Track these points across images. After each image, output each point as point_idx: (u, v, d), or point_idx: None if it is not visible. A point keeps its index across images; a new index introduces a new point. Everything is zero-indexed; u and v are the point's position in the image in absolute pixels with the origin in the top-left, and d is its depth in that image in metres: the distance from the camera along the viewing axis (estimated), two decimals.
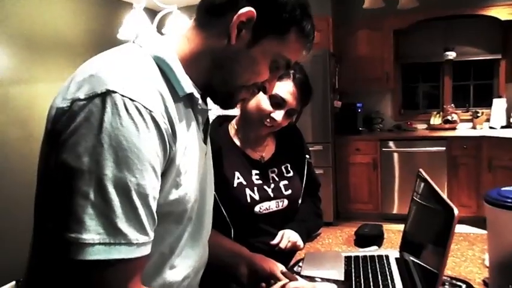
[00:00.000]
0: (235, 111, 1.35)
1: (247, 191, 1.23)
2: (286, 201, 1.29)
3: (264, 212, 1.24)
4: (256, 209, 1.23)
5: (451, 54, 4.21)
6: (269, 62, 0.74)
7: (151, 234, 0.62)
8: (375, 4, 2.90)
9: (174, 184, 0.68)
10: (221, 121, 1.34)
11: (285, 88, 1.19)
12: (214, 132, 1.24)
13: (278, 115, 1.20)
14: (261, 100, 1.19)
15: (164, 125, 0.62)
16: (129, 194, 0.57)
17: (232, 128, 1.32)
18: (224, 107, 0.80)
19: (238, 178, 1.23)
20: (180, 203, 0.70)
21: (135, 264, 0.60)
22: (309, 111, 4.03)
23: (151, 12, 3.61)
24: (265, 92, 0.81)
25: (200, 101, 0.74)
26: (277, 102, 1.19)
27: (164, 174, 0.65)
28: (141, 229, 0.59)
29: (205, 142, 0.84)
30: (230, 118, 1.35)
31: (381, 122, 4.56)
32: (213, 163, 1.14)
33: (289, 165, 1.35)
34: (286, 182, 1.31)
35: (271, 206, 1.26)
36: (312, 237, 1.41)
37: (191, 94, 0.71)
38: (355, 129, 4.36)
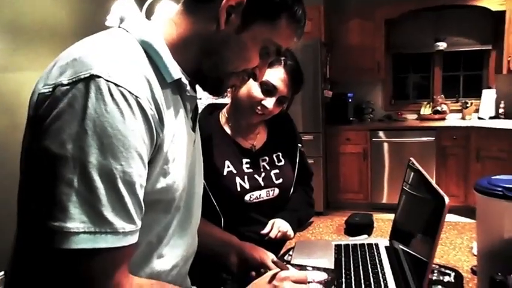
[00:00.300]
0: (226, 100, 1.33)
1: (238, 180, 1.22)
2: (277, 190, 1.28)
3: (255, 201, 1.23)
4: (247, 197, 1.22)
5: (442, 45, 4.22)
6: (259, 48, 0.73)
7: (139, 223, 0.60)
8: None
9: (161, 172, 0.67)
10: (211, 109, 1.32)
11: (276, 75, 1.18)
12: (204, 120, 1.22)
13: (269, 102, 1.19)
14: (252, 87, 1.17)
15: (151, 111, 0.60)
16: (114, 182, 0.55)
17: (223, 116, 1.30)
18: (213, 93, 0.79)
19: (228, 167, 1.22)
20: (168, 191, 0.69)
21: (122, 253, 0.58)
22: (299, 101, 4.02)
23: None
24: (255, 79, 0.79)
25: (188, 88, 0.72)
26: (268, 89, 1.18)
27: (151, 162, 0.64)
28: (128, 218, 0.58)
29: (193, 130, 0.82)
30: (221, 106, 1.33)
31: (371, 112, 4.57)
32: (202, 151, 1.12)
33: (280, 154, 1.33)
34: (277, 170, 1.30)
35: (262, 195, 1.25)
36: (304, 227, 1.41)
37: (179, 80, 0.69)
38: (346, 119, 4.37)
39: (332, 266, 1.03)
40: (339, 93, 4.41)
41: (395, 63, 4.68)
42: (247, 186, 1.22)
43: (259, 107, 1.19)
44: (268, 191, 1.26)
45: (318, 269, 1.02)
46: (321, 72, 3.99)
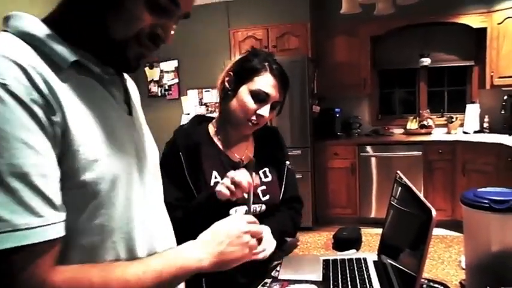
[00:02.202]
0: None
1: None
2: (264, 207, 1.24)
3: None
4: (232, 211, 1.17)
5: (426, 61, 4.29)
6: (143, 2, 0.63)
7: (49, 214, 0.56)
8: (352, 9, 2.92)
9: (80, 164, 0.60)
10: (200, 120, 1.30)
11: (265, 82, 1.18)
12: (192, 129, 1.24)
13: (265, 111, 1.18)
14: (244, 98, 1.17)
15: (30, 96, 0.56)
16: (0, 177, 0.52)
17: (212, 128, 1.28)
18: (123, 69, 0.73)
19: (215, 177, 1.19)
20: (96, 182, 0.62)
21: (36, 250, 0.54)
22: (287, 116, 4.04)
23: None
24: (162, 42, 0.69)
25: (96, 68, 0.66)
26: (261, 98, 1.17)
27: (63, 151, 0.59)
28: (28, 211, 0.54)
29: (130, 113, 0.75)
30: (209, 119, 1.32)
31: (358, 127, 4.60)
32: (190, 159, 1.14)
33: (267, 170, 1.30)
34: (264, 187, 1.26)
35: (242, 210, 1.19)
36: (288, 250, 1.35)
37: (78, 62, 0.63)
38: (334, 134, 4.39)
39: (320, 279, 1.02)
40: (327, 108, 4.44)
41: (381, 79, 4.74)
42: (234, 199, 1.19)
43: (254, 118, 1.18)
44: (255, 207, 1.22)
45: (306, 281, 1.00)
46: (308, 87, 4.02)
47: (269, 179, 1.29)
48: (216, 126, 1.28)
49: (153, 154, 0.81)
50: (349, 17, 3.78)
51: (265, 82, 1.17)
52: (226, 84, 1.21)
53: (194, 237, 0.79)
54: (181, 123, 1.31)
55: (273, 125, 1.45)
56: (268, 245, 1.07)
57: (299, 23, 4.17)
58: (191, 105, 4.76)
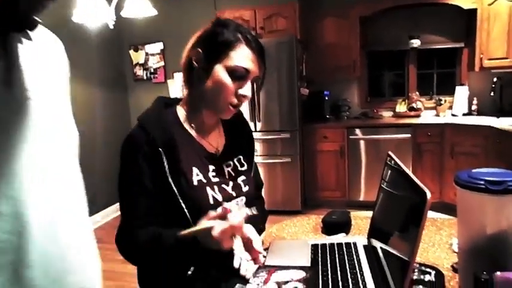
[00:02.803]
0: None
1: (209, 191, 1.05)
2: (244, 199, 1.14)
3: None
4: (219, 210, 1.02)
5: (416, 42, 4.25)
6: None
7: None
8: None
9: None
10: (165, 103, 1.13)
11: (243, 56, 1.03)
12: (164, 116, 1.07)
13: (246, 90, 1.04)
14: (221, 78, 1.02)
15: None
16: None
17: (182, 113, 1.12)
18: (21, 28, 0.57)
19: (197, 175, 1.05)
20: None
21: None
22: (275, 99, 3.98)
23: None
24: None
25: None
26: (240, 75, 1.03)
27: None
28: None
29: (9, 84, 0.55)
30: (174, 101, 1.16)
31: (347, 109, 4.56)
32: (171, 156, 0.99)
33: (241, 158, 1.20)
34: (243, 177, 1.16)
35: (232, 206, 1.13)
36: None
37: None
38: (323, 117, 4.35)
39: (308, 265, 0.98)
40: (315, 91, 4.39)
41: (370, 61, 4.69)
42: (219, 198, 1.06)
43: (235, 99, 1.04)
44: (238, 201, 1.12)
45: (294, 267, 0.96)
46: (297, 70, 3.95)
47: (245, 167, 1.19)
48: (186, 111, 1.12)
49: (61, 141, 0.65)
50: None
51: (242, 57, 1.02)
52: (194, 63, 1.05)
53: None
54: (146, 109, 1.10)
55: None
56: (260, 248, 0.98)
57: (287, 3, 4.07)
58: (178, 88, 4.66)
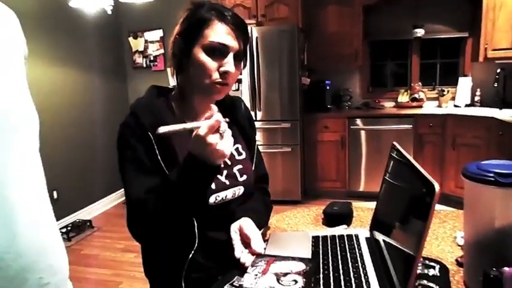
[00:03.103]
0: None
1: None
2: (242, 189, 1.11)
3: (220, 202, 1.06)
4: (211, 199, 1.04)
5: (420, 32, 4.19)
6: None
7: None
8: None
9: None
10: (158, 92, 1.12)
11: (217, 31, 0.99)
12: (156, 103, 1.06)
13: (229, 65, 1.00)
14: (200, 58, 0.99)
15: None
16: None
17: (174, 103, 1.11)
18: None
19: None
20: None
21: None
22: (276, 88, 3.94)
23: None
24: None
25: None
26: (218, 51, 0.99)
27: None
28: None
29: None
30: (167, 90, 1.14)
31: (349, 99, 4.52)
32: (161, 139, 0.97)
33: (240, 147, 1.17)
34: (240, 166, 1.13)
35: (228, 195, 1.08)
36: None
37: None
38: (324, 107, 4.31)
39: (309, 256, 0.95)
40: (317, 80, 4.34)
41: (373, 51, 4.63)
42: (213, 186, 1.03)
43: (218, 77, 1.01)
44: (234, 190, 1.09)
45: (294, 258, 0.93)
46: (298, 58, 3.90)
47: (243, 156, 1.16)
48: (178, 100, 1.10)
49: (17, 124, 0.63)
50: None
51: (217, 32, 0.99)
52: (176, 50, 1.03)
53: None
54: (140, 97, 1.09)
55: (236, 95, 1.27)
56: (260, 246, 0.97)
57: None
58: None
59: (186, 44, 1.01)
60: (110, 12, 2.83)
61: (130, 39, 4.69)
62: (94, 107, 4.20)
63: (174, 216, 0.95)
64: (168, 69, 4.59)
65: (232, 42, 1.01)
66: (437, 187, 0.65)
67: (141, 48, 4.70)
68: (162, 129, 0.84)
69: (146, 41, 4.67)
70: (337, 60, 4.30)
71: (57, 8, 3.52)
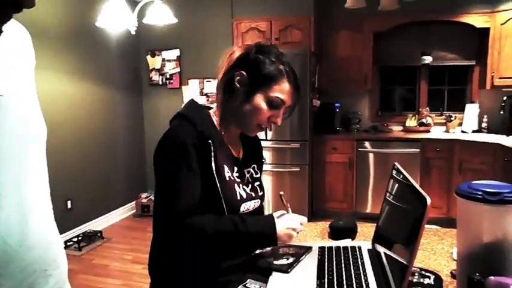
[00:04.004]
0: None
1: (236, 188, 1.16)
2: (259, 202, 1.25)
3: (245, 212, 1.18)
4: (242, 208, 1.16)
5: (428, 59, 4.31)
6: None
7: None
8: (357, 4, 2.93)
9: None
10: (198, 107, 1.23)
11: (283, 90, 1.14)
12: (201, 113, 1.17)
13: (280, 119, 1.17)
14: (260, 106, 1.12)
15: None
16: None
17: (215, 119, 1.21)
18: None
19: (227, 172, 1.15)
20: None
21: None
22: None
23: (132, 1, 3.55)
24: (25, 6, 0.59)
25: None
26: (277, 105, 1.14)
27: None
28: None
29: None
30: (205, 107, 1.25)
31: (358, 122, 4.62)
32: (216, 149, 1.08)
33: (255, 166, 1.31)
34: (258, 182, 1.28)
35: (251, 206, 1.20)
36: None
37: None
38: (333, 129, 4.41)
39: (315, 268, 1.04)
40: (327, 102, 4.45)
41: (382, 75, 4.76)
42: (244, 195, 1.17)
43: (265, 123, 1.16)
44: (255, 202, 1.23)
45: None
46: (309, 81, 4.03)
47: (258, 175, 1.31)
48: (218, 119, 1.20)
49: (23, 134, 0.67)
50: (353, 11, 3.80)
51: (283, 90, 1.13)
52: (237, 83, 1.14)
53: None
54: (179, 110, 1.19)
55: None
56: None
57: (303, 16, 4.17)
58: (192, 94, 4.76)
59: (250, 85, 1.13)
60: (133, 33, 2.99)
61: (148, 57, 4.88)
62: (111, 121, 4.36)
63: (226, 247, 1.08)
64: (184, 87, 4.76)
65: (290, 100, 1.16)
66: (428, 200, 0.75)
67: (158, 66, 4.88)
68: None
69: (163, 60, 4.85)
70: (347, 83, 4.42)
71: (84, 27, 3.72)
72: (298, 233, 1.11)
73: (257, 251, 1.13)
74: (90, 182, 4.01)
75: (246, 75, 1.13)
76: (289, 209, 1.21)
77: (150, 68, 4.91)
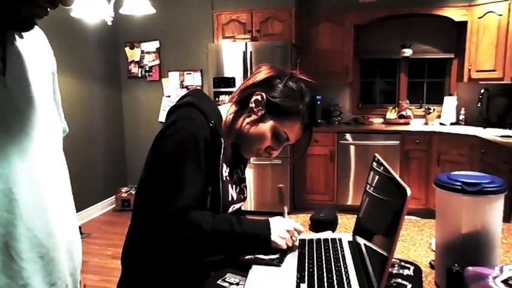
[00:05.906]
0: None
1: (230, 188, 1.15)
2: (242, 203, 1.24)
3: (233, 212, 1.18)
4: (230, 209, 1.16)
5: (408, 52, 4.35)
6: None
7: None
8: None
9: None
10: (209, 99, 1.22)
11: (292, 129, 1.14)
12: (215, 108, 1.14)
13: (276, 152, 1.17)
14: (266, 134, 1.12)
15: None
16: None
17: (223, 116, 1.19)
18: (12, 27, 0.64)
19: (225, 171, 1.14)
20: None
21: None
22: None
23: None
24: (61, 3, 0.63)
25: None
26: (280, 139, 1.14)
27: None
28: None
29: (2, 73, 0.63)
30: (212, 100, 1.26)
31: (339, 114, 4.64)
32: (216, 148, 1.04)
33: (242, 166, 1.29)
34: (244, 183, 1.27)
35: (235, 207, 1.19)
36: None
37: None
38: (314, 121, 4.42)
39: (296, 260, 1.03)
40: None
41: (363, 68, 4.78)
42: (235, 197, 1.16)
43: (262, 152, 1.16)
44: (240, 204, 1.22)
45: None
46: None
47: (244, 176, 1.30)
48: (224, 121, 1.17)
49: (45, 128, 0.70)
50: (335, 4, 3.80)
51: (292, 128, 1.14)
52: (253, 103, 1.12)
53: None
54: (174, 103, 1.13)
55: None
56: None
57: (284, 8, 4.15)
58: (172, 87, 4.70)
59: (266, 111, 1.11)
60: (110, 23, 2.91)
61: (127, 49, 4.78)
62: (89, 115, 4.26)
63: (219, 246, 1.05)
64: (164, 79, 4.69)
65: (294, 140, 1.17)
66: (409, 191, 0.74)
67: (137, 59, 4.79)
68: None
69: (142, 52, 4.76)
70: (329, 76, 4.43)
71: (58, 18, 3.60)
72: (294, 241, 1.10)
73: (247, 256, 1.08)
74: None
75: (264, 99, 1.11)
76: (286, 207, 1.22)
77: (129, 60, 4.81)
